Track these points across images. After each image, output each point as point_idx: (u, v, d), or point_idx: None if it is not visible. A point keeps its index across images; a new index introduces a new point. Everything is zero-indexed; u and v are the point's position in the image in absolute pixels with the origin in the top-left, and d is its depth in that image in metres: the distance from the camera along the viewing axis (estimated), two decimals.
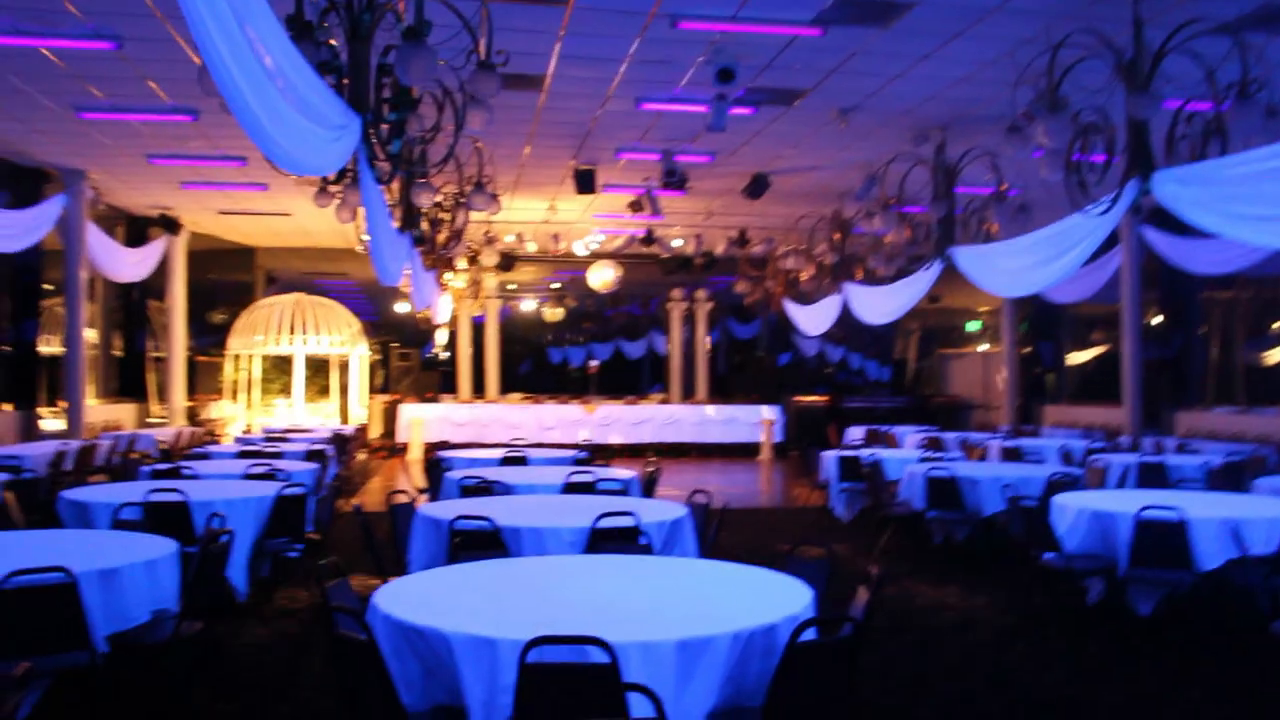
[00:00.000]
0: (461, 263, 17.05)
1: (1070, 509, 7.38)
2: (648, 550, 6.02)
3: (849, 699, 3.71)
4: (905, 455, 11.95)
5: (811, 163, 14.45)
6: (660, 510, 6.72)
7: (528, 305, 28.52)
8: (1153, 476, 10.82)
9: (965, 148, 11.90)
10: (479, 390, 23.96)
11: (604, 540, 6.02)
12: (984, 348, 24.86)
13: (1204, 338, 18.60)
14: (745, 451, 21.49)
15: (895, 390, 27.86)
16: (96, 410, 18.50)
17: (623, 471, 9.63)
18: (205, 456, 12.05)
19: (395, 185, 11.26)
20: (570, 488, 8.55)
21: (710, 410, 22.13)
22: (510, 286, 27.96)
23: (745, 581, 4.59)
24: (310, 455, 12.22)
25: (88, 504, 7.30)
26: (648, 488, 9.34)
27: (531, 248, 18.73)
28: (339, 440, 14.03)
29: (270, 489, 7.82)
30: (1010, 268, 10.71)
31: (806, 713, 3.59)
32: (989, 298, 22.08)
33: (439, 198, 12.00)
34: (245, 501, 7.59)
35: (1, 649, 4.63)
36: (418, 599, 4.17)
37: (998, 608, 8.00)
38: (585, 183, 14.73)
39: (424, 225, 12.40)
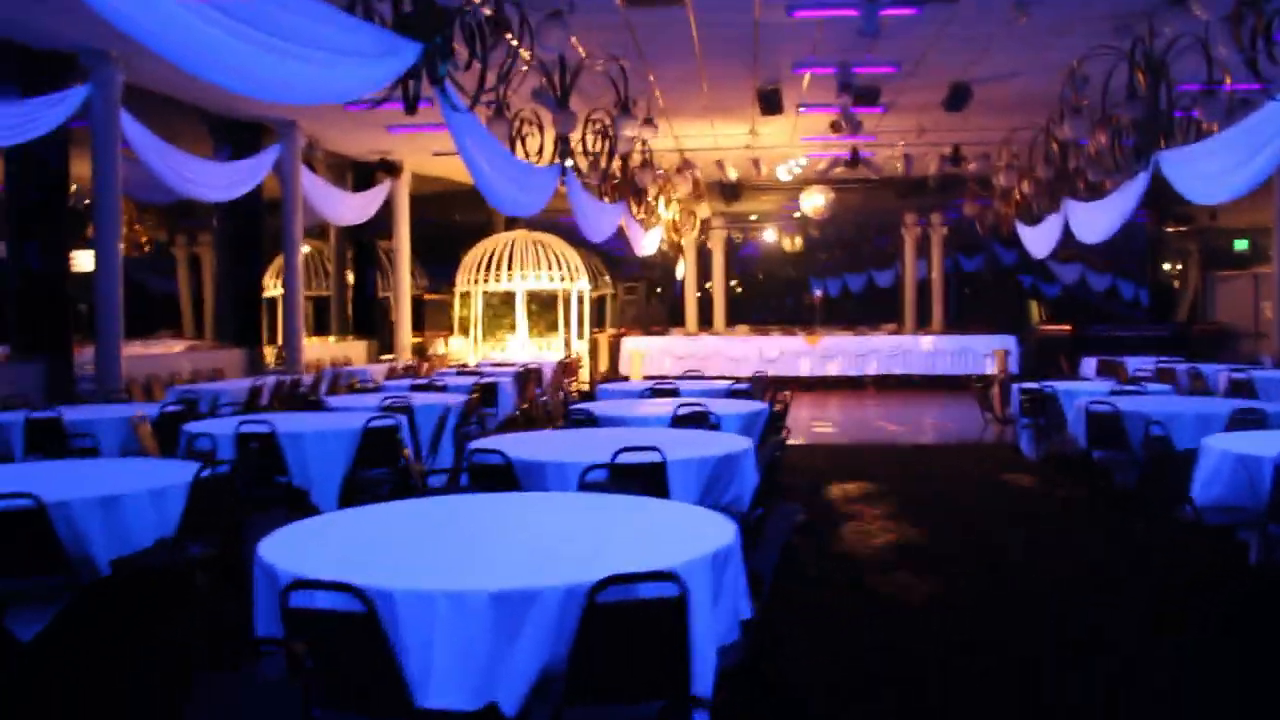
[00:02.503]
0: (660, 192, 16.64)
1: (1214, 452, 6.25)
2: (660, 492, 5.51)
3: (680, 669, 3.11)
4: (1094, 388, 10.72)
5: (1011, 68, 13.09)
6: (707, 445, 6.16)
7: (769, 236, 27.85)
8: None
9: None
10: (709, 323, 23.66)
11: (626, 477, 5.56)
12: (1265, 270, 22.13)
13: None
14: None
15: (1159, 317, 25.37)
16: (332, 348, 19.53)
17: (753, 405, 9.06)
18: (378, 389, 12.34)
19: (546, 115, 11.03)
20: (678, 420, 8.10)
21: (939, 340, 20.87)
22: (752, 217, 27.39)
23: (701, 528, 4.00)
24: (479, 389, 12.26)
25: (195, 433, 7.52)
26: (772, 424, 8.71)
27: (733, 175, 18.07)
28: (523, 376, 14.03)
29: (361, 420, 7.78)
30: (1209, 171, 9.26)
31: (613, 681, 3.06)
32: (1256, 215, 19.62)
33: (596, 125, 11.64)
34: (336, 434, 7.61)
35: None
36: (308, 539, 3.90)
37: (1126, 566, 6.98)
38: (771, 103, 13.98)
39: (583, 155, 12.08)
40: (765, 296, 34.91)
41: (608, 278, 25.94)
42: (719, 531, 3.77)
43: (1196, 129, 10.51)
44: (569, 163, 12.65)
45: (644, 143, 14.30)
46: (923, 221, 22.98)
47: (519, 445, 6.21)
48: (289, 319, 16.63)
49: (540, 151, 11.30)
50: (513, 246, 21.14)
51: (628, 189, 14.48)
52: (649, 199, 16.17)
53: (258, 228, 16.97)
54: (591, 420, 8.24)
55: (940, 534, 7.99)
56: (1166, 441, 7.03)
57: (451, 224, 25.88)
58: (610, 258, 25.87)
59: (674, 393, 10.53)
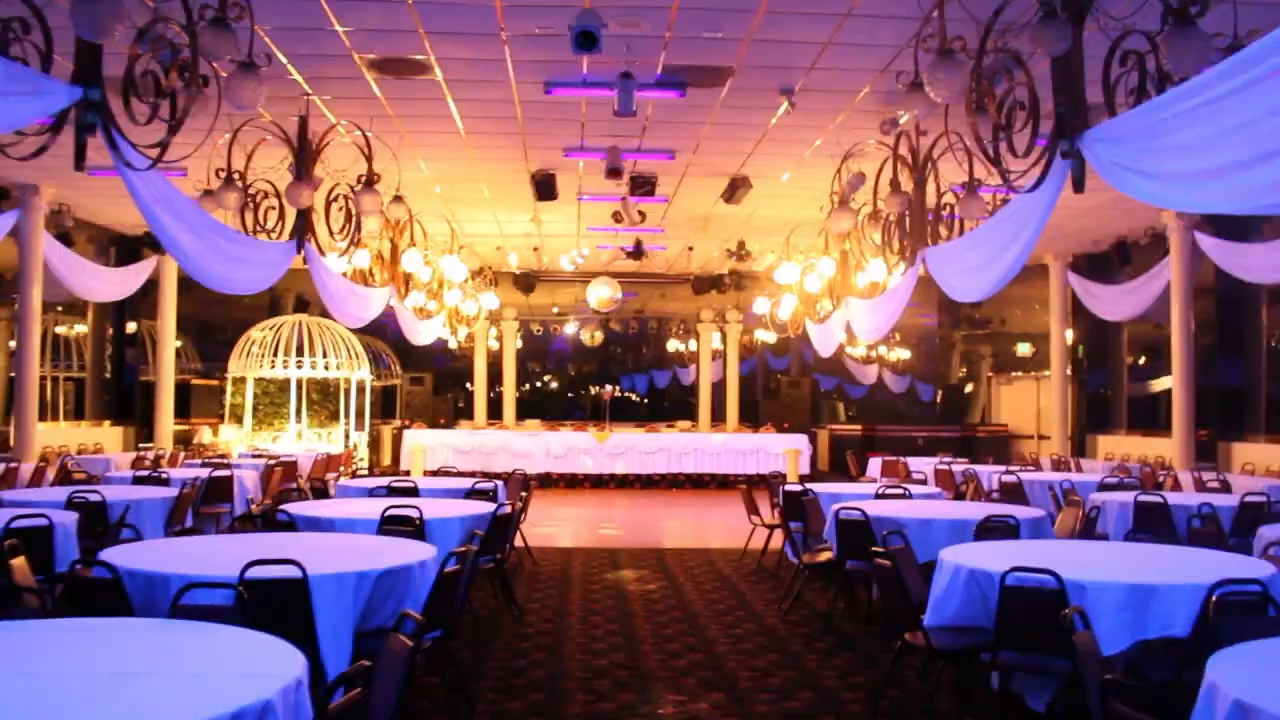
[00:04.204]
0: (437, 279, 15.78)
1: (948, 566, 5.68)
2: (301, 614, 4.61)
3: None
4: (862, 489, 10.27)
5: (790, 161, 12.85)
6: (372, 557, 5.28)
7: (570, 330, 27.24)
8: (1151, 519, 8.98)
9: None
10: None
11: (261, 597, 4.63)
12: (1049, 374, 22.71)
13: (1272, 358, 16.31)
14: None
15: (951, 419, 25.71)
16: (81, 433, 17.92)
17: (478, 506, 8.24)
18: (88, 481, 11.03)
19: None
20: (387, 523, 7.21)
21: (732, 439, 20.44)
22: (553, 310, 26.77)
23: (252, 674, 3.12)
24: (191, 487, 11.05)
25: None
26: (495, 530, 7.84)
27: (513, 264, 17.41)
28: (268, 469, 12.86)
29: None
30: (965, 267, 8.99)
31: None
32: (1044, 320, 20.07)
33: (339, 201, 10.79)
34: None
35: None
36: None
37: (857, 688, 6.36)
38: (545, 188, 13.42)
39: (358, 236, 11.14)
40: (575, 392, 34.25)
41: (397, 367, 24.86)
42: (258, 683, 2.90)
43: (961, 228, 10.30)
44: (357, 246, 11.75)
45: (407, 224, 13.47)
46: (719, 317, 22.73)
47: (148, 556, 5.22)
48: (19, 402, 15.05)
49: (277, 229, 10.37)
50: (292, 331, 19.91)
51: (397, 273, 13.59)
52: (430, 285, 15.32)
53: None
54: (289, 524, 7.29)
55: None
56: (906, 553, 6.45)
57: (234, 305, 24.45)
58: (407, 347, 24.83)
59: (413, 491, 9.63)
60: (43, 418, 17.39)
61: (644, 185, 13.11)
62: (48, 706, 2.78)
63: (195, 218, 7.73)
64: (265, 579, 4.68)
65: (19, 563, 5.41)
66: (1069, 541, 7.55)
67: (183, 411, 20.65)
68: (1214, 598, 4.53)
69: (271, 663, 3.17)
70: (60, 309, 20.27)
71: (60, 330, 20.92)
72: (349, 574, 4.93)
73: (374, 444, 21.41)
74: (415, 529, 7.06)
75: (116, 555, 5.13)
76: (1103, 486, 11.07)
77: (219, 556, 5.28)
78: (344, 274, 12.10)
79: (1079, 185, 6.60)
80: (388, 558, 5.26)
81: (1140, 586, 5.00)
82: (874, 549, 6.18)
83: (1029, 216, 7.29)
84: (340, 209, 10.79)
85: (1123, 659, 5.08)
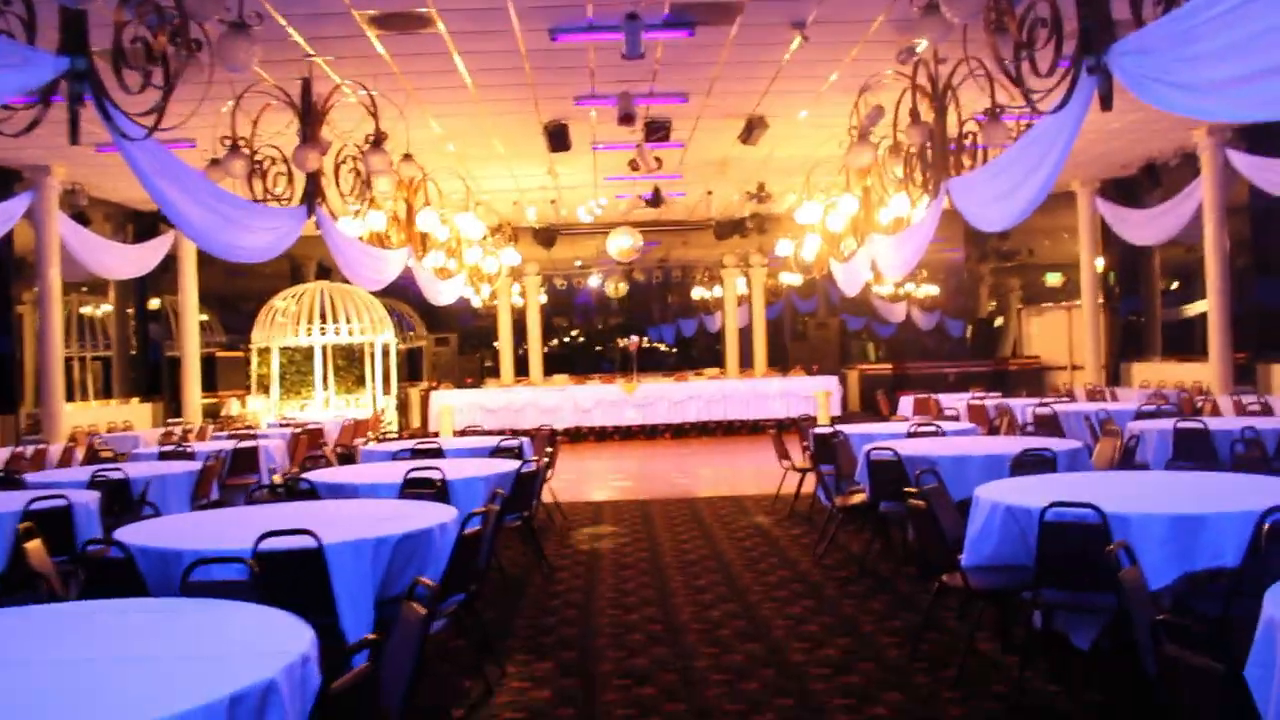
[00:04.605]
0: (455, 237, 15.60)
1: (984, 504, 5.50)
2: (319, 585, 4.50)
3: None
4: (895, 429, 10.07)
5: (806, 97, 12.54)
6: (391, 521, 5.16)
7: (594, 282, 27.04)
8: (1192, 446, 8.75)
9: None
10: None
11: (277, 570, 4.51)
12: (1080, 303, 22.35)
13: None
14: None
15: (982, 354, 25.41)
16: (112, 412, 17.95)
17: (503, 465, 8.10)
18: (113, 459, 11.00)
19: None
20: (409, 486, 7.10)
21: (761, 384, 20.26)
22: (576, 263, 26.57)
23: (252, 653, 2.99)
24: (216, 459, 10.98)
25: None
26: (520, 488, 7.72)
27: (531, 218, 17.20)
28: (294, 437, 12.79)
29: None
30: (989, 196, 8.72)
31: None
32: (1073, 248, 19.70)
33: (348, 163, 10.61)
34: None
35: None
36: None
37: (895, 632, 6.20)
38: (558, 139, 13.18)
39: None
40: (603, 345, 34.14)
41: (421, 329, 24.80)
42: (261, 661, 2.76)
43: (985, 157, 10.00)
44: (370, 207, 11.60)
45: (421, 183, 13.30)
46: (743, 262, 22.48)
47: (161, 532, 5.12)
48: (44, 382, 15.06)
49: (287, 195, 10.21)
50: (314, 298, 19.83)
51: (413, 233, 13.42)
52: (448, 244, 15.13)
53: (4, 285, 15.47)
54: (310, 493, 7.18)
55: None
56: (940, 492, 6.27)
57: (256, 276, 24.37)
58: (430, 309, 24.74)
59: (437, 453, 9.52)
60: (71, 398, 17.48)
61: (658, 130, 12.87)
62: (30, 699, 2.66)
63: (200, 187, 7.59)
64: (279, 550, 4.56)
65: (34, 546, 5.32)
66: (1108, 473, 7.33)
67: (210, 385, 20.70)
68: (1266, 525, 4.31)
69: (276, 639, 3.04)
70: (84, 289, 20.31)
71: (85, 310, 20.97)
72: (366, 541, 4.81)
73: (402, 407, 21.38)
74: (438, 491, 6.94)
75: (131, 533, 5.04)
76: (1140, 415, 10.84)
77: (234, 529, 5.16)
78: (360, 237, 12.00)
79: (1106, 102, 6.33)
80: (407, 522, 5.12)
81: (1186, 517, 4.81)
82: (907, 489, 6.02)
83: (1055, 139, 7.03)
84: (350, 170, 10.64)
85: (1169, 593, 4.90)
